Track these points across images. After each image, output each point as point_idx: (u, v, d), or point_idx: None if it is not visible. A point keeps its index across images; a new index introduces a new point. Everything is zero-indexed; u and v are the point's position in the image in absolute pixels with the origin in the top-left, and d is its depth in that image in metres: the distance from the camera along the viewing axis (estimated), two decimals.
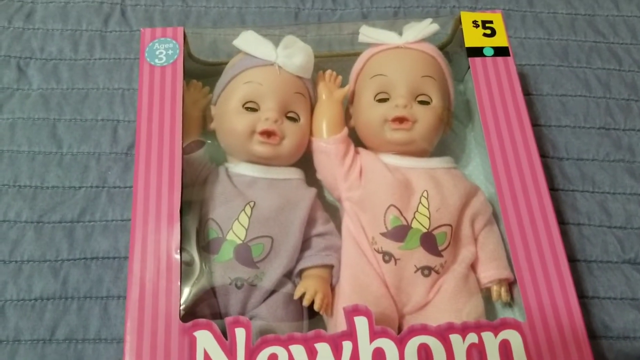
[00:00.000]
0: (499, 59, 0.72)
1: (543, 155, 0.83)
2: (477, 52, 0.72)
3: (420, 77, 0.71)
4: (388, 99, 0.71)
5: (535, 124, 0.85)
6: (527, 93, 0.88)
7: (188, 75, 0.76)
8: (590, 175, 0.82)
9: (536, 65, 0.90)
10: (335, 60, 0.81)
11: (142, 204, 0.63)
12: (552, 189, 0.81)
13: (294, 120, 0.71)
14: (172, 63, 0.71)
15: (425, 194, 0.68)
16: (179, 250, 0.61)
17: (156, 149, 0.66)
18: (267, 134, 0.68)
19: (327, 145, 0.71)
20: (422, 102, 0.71)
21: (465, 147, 0.82)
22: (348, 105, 0.78)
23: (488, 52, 0.72)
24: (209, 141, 0.73)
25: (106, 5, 0.93)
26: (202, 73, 0.78)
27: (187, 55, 0.77)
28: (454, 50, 0.79)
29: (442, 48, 0.79)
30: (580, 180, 0.82)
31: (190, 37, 0.77)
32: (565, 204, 0.80)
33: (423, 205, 0.67)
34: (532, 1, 0.96)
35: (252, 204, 0.66)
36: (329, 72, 0.77)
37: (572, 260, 0.75)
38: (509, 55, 0.72)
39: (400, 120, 0.69)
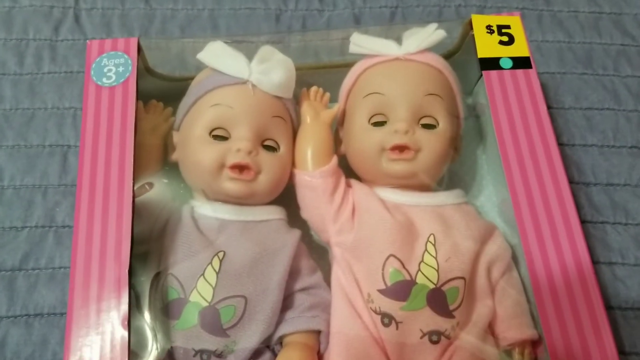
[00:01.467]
0: (519, 71, 0.60)
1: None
2: (492, 64, 0.60)
3: (424, 96, 0.59)
4: (385, 122, 0.59)
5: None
6: (547, 107, 0.75)
7: (147, 94, 0.64)
8: (623, 204, 0.70)
9: (556, 73, 0.78)
10: (323, 73, 0.69)
11: (82, 259, 0.52)
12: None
13: (272, 149, 0.59)
14: (123, 82, 0.59)
15: (432, 239, 0.56)
16: (127, 324, 0.48)
17: (101, 188, 0.54)
18: (240, 168, 0.56)
19: (313, 179, 0.59)
20: (426, 126, 0.59)
21: (476, 174, 0.70)
22: (337, 128, 0.65)
23: (506, 63, 0.60)
24: (166, 181, 0.60)
25: (57, 10, 0.80)
26: (165, 91, 0.66)
27: (145, 70, 0.64)
28: (462, 59, 0.66)
29: (447, 57, 0.67)
30: (611, 210, 0.70)
31: (150, 48, 0.64)
32: (594, 239, 0.68)
33: (430, 254, 0.55)
34: None
35: (220, 255, 0.54)
36: (314, 89, 0.65)
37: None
38: (530, 67, 0.60)
39: (401, 149, 0.57)
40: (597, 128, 0.75)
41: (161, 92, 0.66)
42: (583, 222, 0.69)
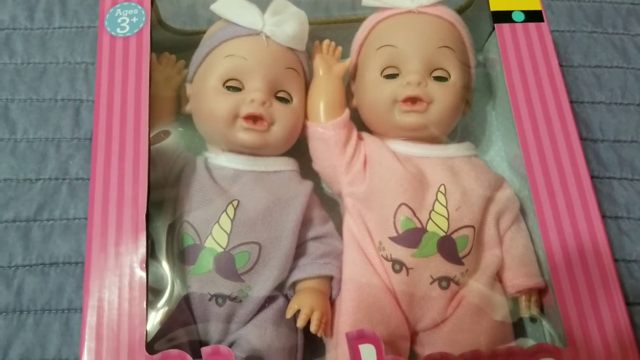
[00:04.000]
0: (531, 25, 0.60)
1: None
2: (504, 17, 0.60)
3: (436, 48, 0.59)
4: (398, 74, 0.59)
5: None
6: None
7: (160, 47, 0.64)
8: (630, 160, 0.71)
9: (566, 31, 0.78)
10: (335, 27, 0.69)
11: (99, 207, 0.52)
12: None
13: (285, 101, 0.59)
14: (137, 33, 0.59)
15: (442, 189, 0.56)
16: (144, 265, 0.49)
17: (117, 139, 0.55)
18: (253, 118, 0.57)
19: (325, 131, 0.59)
20: (438, 79, 0.59)
21: (486, 129, 0.70)
22: (349, 82, 0.66)
23: (518, 17, 0.60)
24: (181, 129, 0.61)
25: None
26: (176, 44, 0.66)
27: (158, 22, 0.65)
28: (474, 14, 0.67)
29: (460, 12, 0.67)
30: (618, 166, 0.71)
31: (162, 0, 0.64)
32: (601, 194, 0.69)
33: (440, 203, 0.56)
34: None
35: (235, 203, 0.55)
36: (326, 42, 0.65)
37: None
38: (542, 20, 0.60)
39: (413, 100, 0.58)
40: (606, 86, 0.75)
41: (173, 45, 0.66)
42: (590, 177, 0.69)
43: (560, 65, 0.72)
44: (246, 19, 0.59)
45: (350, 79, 0.66)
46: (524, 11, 0.60)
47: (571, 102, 0.71)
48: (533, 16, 0.60)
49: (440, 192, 0.57)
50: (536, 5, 0.60)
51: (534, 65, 0.58)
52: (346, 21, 0.68)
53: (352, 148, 0.60)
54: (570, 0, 0.80)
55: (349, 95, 0.65)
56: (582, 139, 0.71)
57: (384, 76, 0.60)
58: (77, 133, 0.70)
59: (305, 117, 0.62)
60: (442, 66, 0.59)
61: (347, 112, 0.61)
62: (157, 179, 0.56)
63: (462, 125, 0.66)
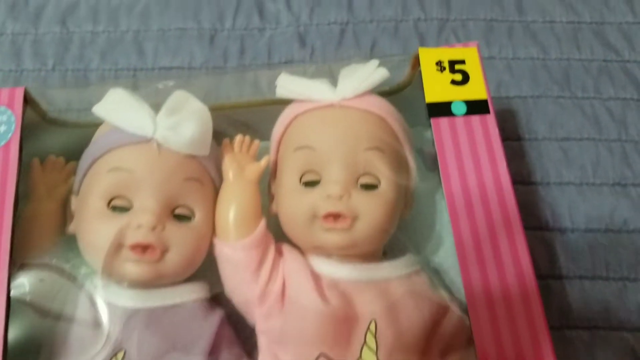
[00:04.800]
0: (475, 118, 0.50)
1: (539, 227, 0.61)
2: (442, 109, 0.50)
3: (362, 151, 0.50)
4: (319, 180, 0.50)
5: (528, 182, 0.64)
6: (516, 138, 0.66)
7: (45, 147, 0.54)
8: (603, 255, 0.61)
9: (528, 97, 0.68)
10: (257, 111, 0.59)
11: None
12: (553, 276, 0.60)
13: (184, 219, 0.50)
14: (4, 146, 0.49)
15: (372, 328, 0.47)
16: None
17: None
18: (141, 248, 0.47)
19: (234, 252, 0.50)
20: (366, 187, 0.49)
21: (435, 223, 0.60)
22: (270, 181, 0.56)
23: (458, 109, 0.50)
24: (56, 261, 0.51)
25: None
26: (72, 143, 0.56)
27: (44, 120, 0.54)
28: (414, 94, 0.57)
29: (397, 91, 0.57)
30: (590, 262, 0.60)
31: (43, 95, 0.54)
32: (571, 298, 0.59)
33: (369, 349, 0.46)
34: (521, 6, 0.73)
35: (120, 355, 0.45)
36: (239, 138, 0.55)
37: None
38: (488, 111, 0.50)
39: (335, 217, 0.48)
40: (575, 162, 0.65)
41: (66, 144, 0.56)
42: (559, 277, 0.60)
43: (523, 139, 0.64)
44: (134, 122, 0.49)
45: (270, 177, 0.56)
46: (466, 102, 0.50)
47: (536, 183, 0.63)
48: (477, 107, 0.50)
49: (370, 331, 0.47)
50: (481, 94, 0.50)
51: (476, 167, 0.49)
52: (273, 103, 0.58)
53: (267, 272, 0.50)
54: (534, 59, 0.70)
55: (270, 196, 0.55)
56: (549, 229, 0.62)
57: (303, 183, 0.51)
58: None
59: (213, 232, 0.52)
60: (371, 171, 0.50)
61: (261, 226, 0.51)
62: (27, 326, 0.47)
63: (407, 222, 0.56)
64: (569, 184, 0.64)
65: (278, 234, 0.53)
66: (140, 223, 0.47)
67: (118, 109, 0.50)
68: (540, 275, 0.59)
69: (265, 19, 0.72)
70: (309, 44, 0.70)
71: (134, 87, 0.56)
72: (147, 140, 0.49)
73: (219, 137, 0.59)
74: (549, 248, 0.61)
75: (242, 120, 0.59)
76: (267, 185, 0.56)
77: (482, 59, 0.61)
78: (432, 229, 0.60)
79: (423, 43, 0.70)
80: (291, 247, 0.52)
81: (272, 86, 0.60)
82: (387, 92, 0.57)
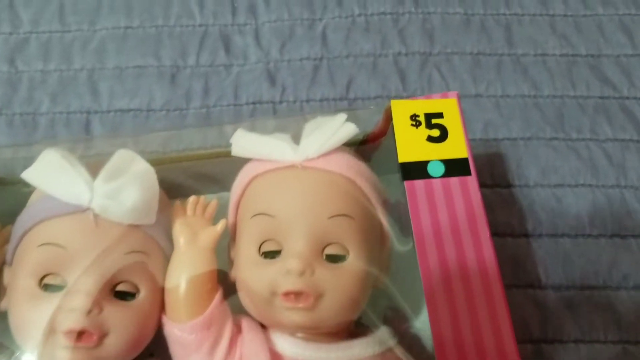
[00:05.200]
0: (454, 180, 0.44)
1: (530, 284, 0.56)
2: (417, 171, 0.44)
3: (327, 219, 0.44)
4: (280, 251, 0.44)
5: (518, 234, 0.58)
6: (506, 184, 0.60)
7: None
8: (601, 316, 0.55)
9: (519, 139, 0.62)
10: (221, 162, 0.53)
11: None
12: (546, 340, 0.54)
13: (126, 296, 0.44)
14: None
15: None
16: None
17: None
18: (76, 334, 0.41)
19: (183, 334, 0.44)
20: (332, 259, 0.44)
21: (414, 286, 0.54)
22: (229, 244, 0.50)
23: (435, 170, 0.45)
24: None
25: None
26: (10, 202, 0.50)
27: None
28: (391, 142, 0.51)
29: (372, 140, 0.51)
30: (587, 323, 0.55)
31: None
32: None
33: None
34: (511, 38, 0.67)
35: None
36: (192, 200, 0.49)
37: None
38: (469, 173, 0.44)
39: (296, 295, 0.42)
40: (570, 211, 0.59)
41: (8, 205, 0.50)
42: (552, 341, 0.54)
43: (513, 186, 0.58)
44: (67, 190, 0.44)
45: (230, 240, 0.50)
46: (445, 161, 0.44)
47: (527, 235, 0.57)
48: (457, 167, 0.44)
49: None
50: (461, 152, 0.45)
51: (456, 240, 0.43)
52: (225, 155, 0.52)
53: (222, 354, 0.44)
54: (525, 97, 0.64)
55: (230, 261, 0.49)
56: (541, 287, 0.56)
57: (263, 254, 0.45)
58: None
59: (162, 309, 0.46)
60: (337, 241, 0.44)
61: (215, 301, 0.45)
62: None
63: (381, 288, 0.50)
64: (563, 236, 0.58)
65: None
66: (73, 306, 0.41)
67: (50, 174, 0.44)
68: (531, 339, 0.54)
69: (232, 54, 0.66)
70: (280, 82, 0.64)
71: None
72: (82, 210, 0.43)
73: (178, 191, 0.54)
74: (541, 308, 0.56)
75: (203, 172, 0.53)
76: (227, 247, 0.50)
77: (469, 97, 0.56)
78: (412, 289, 0.54)
79: (404, 79, 0.64)
80: (251, 321, 0.47)
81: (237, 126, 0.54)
82: (359, 142, 0.51)
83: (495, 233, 0.58)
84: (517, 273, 0.57)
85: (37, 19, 0.67)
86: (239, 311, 0.47)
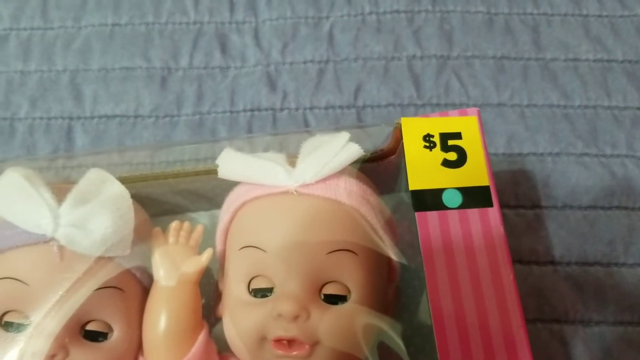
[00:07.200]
0: (473, 212, 0.38)
1: (556, 319, 0.50)
2: (430, 200, 0.38)
3: (325, 255, 0.38)
4: (272, 288, 0.38)
5: (544, 261, 0.52)
6: (531, 205, 0.54)
7: None
8: (637, 356, 0.49)
9: (546, 154, 0.56)
10: (207, 179, 0.47)
11: None
12: None
13: (97, 337, 0.39)
14: None
15: None
16: None
17: None
18: None
19: None
20: (330, 299, 0.38)
21: (422, 325, 0.48)
22: (218, 274, 0.44)
23: (452, 200, 0.38)
24: None
25: None
26: None
27: None
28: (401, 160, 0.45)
29: (381, 159, 0.45)
30: None
31: None
32: None
33: None
34: (539, 40, 0.61)
35: None
36: (175, 225, 0.44)
37: None
38: (490, 204, 0.38)
39: (289, 342, 0.37)
40: (603, 236, 0.53)
41: None
42: None
43: (539, 207, 0.51)
44: (28, 217, 0.38)
45: (219, 269, 0.45)
46: (462, 189, 0.38)
47: (555, 263, 0.51)
48: (476, 197, 0.38)
49: None
50: (482, 179, 0.38)
51: (473, 282, 0.37)
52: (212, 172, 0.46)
53: None
54: (553, 107, 0.58)
55: (217, 294, 0.44)
56: (569, 321, 0.50)
57: (252, 291, 0.39)
58: None
59: (140, 351, 0.40)
60: (337, 279, 0.39)
61: (200, 341, 0.40)
62: None
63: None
64: (595, 265, 0.52)
65: None
66: (35, 350, 0.37)
67: (10, 198, 0.39)
68: None
69: (229, 55, 0.60)
70: (280, 87, 0.58)
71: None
72: (45, 241, 0.38)
73: (165, 209, 0.49)
74: (568, 347, 0.49)
75: (193, 188, 0.48)
76: (215, 279, 0.45)
77: (491, 107, 0.49)
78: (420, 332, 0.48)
79: (418, 86, 0.58)
80: None
81: (233, 142, 0.48)
82: (368, 159, 0.45)
83: (518, 260, 0.52)
84: (542, 306, 0.51)
85: (17, 14, 0.61)
86: (226, 347, 0.42)
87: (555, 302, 0.51)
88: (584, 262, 0.53)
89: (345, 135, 0.40)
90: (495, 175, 0.40)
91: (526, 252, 0.53)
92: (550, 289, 0.52)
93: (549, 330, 0.51)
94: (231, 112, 0.57)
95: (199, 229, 0.44)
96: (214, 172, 0.44)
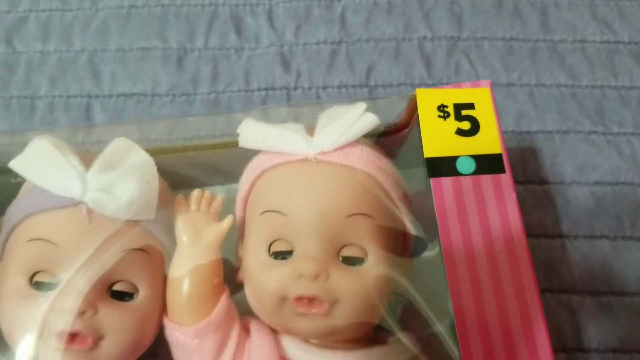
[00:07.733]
0: (486, 178, 0.39)
1: (564, 289, 0.51)
2: (444, 167, 0.40)
3: (344, 218, 0.39)
4: (291, 251, 0.40)
5: (552, 234, 0.53)
6: (539, 182, 0.55)
7: None
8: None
9: (554, 132, 0.57)
10: (224, 153, 0.48)
11: None
12: (581, 349, 0.50)
13: (123, 297, 0.41)
14: None
15: None
16: None
17: None
18: (70, 337, 0.38)
19: (186, 338, 0.40)
20: (348, 261, 0.40)
21: (438, 290, 0.49)
22: (237, 242, 0.46)
23: (465, 167, 0.40)
24: None
25: None
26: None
27: None
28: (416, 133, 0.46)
29: (395, 132, 0.46)
30: (628, 333, 0.51)
31: None
32: None
33: None
34: (547, 22, 0.62)
35: None
36: (196, 193, 0.45)
37: None
38: (503, 170, 0.39)
39: (309, 301, 0.38)
40: (610, 211, 0.54)
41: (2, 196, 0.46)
42: (588, 350, 0.50)
43: (547, 182, 0.53)
44: (57, 182, 0.40)
45: (238, 237, 0.46)
46: (475, 157, 0.40)
47: (562, 236, 0.52)
48: (489, 164, 0.39)
49: None
50: (494, 147, 0.40)
51: (487, 247, 0.38)
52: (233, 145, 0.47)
53: (229, 358, 0.40)
54: (561, 86, 0.59)
55: (237, 258, 0.45)
56: (577, 292, 0.51)
57: (273, 254, 0.41)
58: None
59: (165, 310, 0.42)
60: (355, 242, 0.40)
61: (222, 303, 0.41)
62: None
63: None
64: (602, 238, 0.53)
65: None
66: (65, 307, 0.38)
67: (39, 164, 0.40)
68: (565, 348, 0.50)
69: (244, 37, 0.61)
70: (294, 68, 0.59)
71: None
72: (74, 204, 0.39)
73: (183, 183, 0.50)
74: (576, 315, 0.51)
75: (210, 162, 0.49)
76: (235, 245, 0.46)
77: (500, 87, 0.51)
78: (433, 298, 0.49)
79: (429, 67, 0.59)
80: (260, 325, 0.43)
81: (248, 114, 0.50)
82: (380, 133, 0.47)
83: (527, 234, 0.53)
84: (550, 277, 0.52)
85: None
86: (246, 312, 0.43)
87: (563, 274, 0.53)
88: (591, 235, 0.54)
89: (362, 106, 0.42)
90: (507, 153, 0.41)
91: (535, 226, 0.54)
92: (558, 261, 0.53)
93: (557, 300, 0.52)
94: (246, 91, 0.59)
95: (219, 198, 0.46)
96: (232, 144, 0.46)
